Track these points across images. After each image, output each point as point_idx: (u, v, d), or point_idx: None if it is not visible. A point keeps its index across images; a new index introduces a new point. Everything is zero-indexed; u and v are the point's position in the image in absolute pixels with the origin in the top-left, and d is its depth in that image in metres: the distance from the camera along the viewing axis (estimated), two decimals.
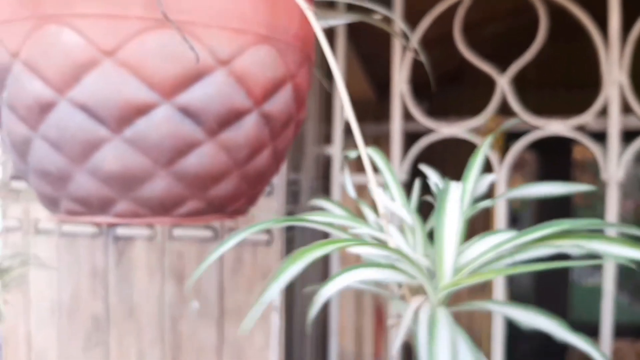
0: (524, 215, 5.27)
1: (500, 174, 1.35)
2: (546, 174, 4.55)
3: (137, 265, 1.16)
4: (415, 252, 0.48)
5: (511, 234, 0.44)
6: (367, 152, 0.51)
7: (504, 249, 0.43)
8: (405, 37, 1.41)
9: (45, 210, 1.13)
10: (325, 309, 1.61)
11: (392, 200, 0.52)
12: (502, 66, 1.41)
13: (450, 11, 1.37)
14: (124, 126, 0.48)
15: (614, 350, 1.32)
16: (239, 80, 0.51)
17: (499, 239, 0.45)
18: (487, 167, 1.37)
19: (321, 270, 1.52)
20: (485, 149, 0.53)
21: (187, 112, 0.50)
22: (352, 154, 0.57)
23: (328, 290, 0.42)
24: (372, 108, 2.19)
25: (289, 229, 1.20)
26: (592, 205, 5.22)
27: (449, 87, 2.56)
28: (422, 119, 1.40)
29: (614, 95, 1.28)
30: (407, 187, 1.39)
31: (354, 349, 2.71)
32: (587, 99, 1.38)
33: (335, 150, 1.42)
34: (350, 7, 0.84)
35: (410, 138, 1.52)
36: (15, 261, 0.78)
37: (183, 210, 0.56)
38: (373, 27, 0.74)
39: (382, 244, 0.46)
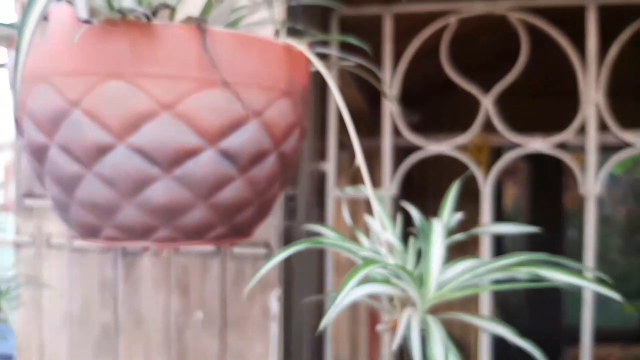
0: (519, 220, 5.39)
1: (485, 190, 1.45)
2: (538, 181, 4.70)
3: (145, 278, 1.23)
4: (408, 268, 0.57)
5: (479, 261, 0.55)
6: (369, 191, 0.60)
7: (478, 272, 0.53)
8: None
9: (57, 227, 1.20)
10: (320, 317, 1.69)
11: (384, 230, 0.61)
12: (494, 73, 1.51)
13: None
14: (174, 167, 0.56)
15: (605, 355, 1.43)
16: (267, 127, 0.60)
17: (472, 264, 0.55)
18: (474, 182, 1.47)
19: (316, 283, 1.60)
20: (455, 190, 0.62)
21: (226, 155, 0.58)
22: (349, 190, 0.66)
23: (344, 301, 0.50)
24: (365, 120, 2.28)
25: (286, 244, 1.28)
26: (581, 208, 5.35)
27: (444, 95, 2.67)
28: (411, 137, 1.49)
29: (591, 115, 1.38)
30: (398, 201, 1.48)
31: (348, 357, 2.79)
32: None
33: (329, 166, 1.51)
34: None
35: (403, 152, 1.62)
36: (16, 282, 0.85)
37: (212, 235, 0.64)
38: (366, 36, 0.82)
39: (387, 265, 0.54)
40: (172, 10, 0.57)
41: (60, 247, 1.26)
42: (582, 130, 1.40)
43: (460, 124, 1.59)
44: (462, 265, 0.51)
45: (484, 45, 2.78)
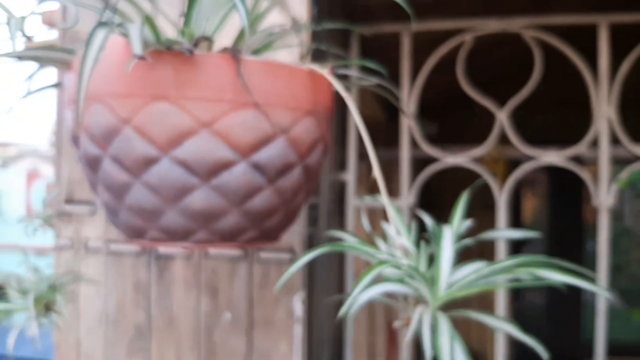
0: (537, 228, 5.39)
1: (500, 201, 1.51)
2: (557, 192, 4.70)
3: (176, 280, 1.31)
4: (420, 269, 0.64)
5: (484, 264, 0.61)
6: (385, 201, 0.67)
7: (482, 273, 0.59)
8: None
9: (95, 231, 1.28)
10: (340, 324, 1.76)
11: (399, 235, 0.68)
12: (509, 85, 1.56)
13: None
14: (211, 177, 0.64)
15: None
16: (293, 143, 0.67)
17: (478, 267, 0.61)
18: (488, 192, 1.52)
19: (336, 288, 1.67)
20: (465, 199, 0.68)
21: (257, 167, 0.65)
22: (367, 199, 0.73)
23: (363, 297, 0.57)
24: (383, 131, 2.35)
25: (309, 250, 1.35)
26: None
27: (461, 108, 2.72)
28: (428, 149, 1.55)
29: (604, 129, 1.43)
30: (415, 210, 1.54)
31: None
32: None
33: (349, 176, 1.58)
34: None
35: (420, 163, 1.68)
36: (67, 278, 0.93)
37: (244, 238, 0.72)
38: (385, 52, 0.89)
39: (401, 265, 0.61)
40: (210, 41, 0.65)
41: (97, 251, 1.35)
42: (594, 143, 1.45)
43: (476, 134, 1.65)
44: (469, 268, 0.58)
45: (499, 58, 2.83)
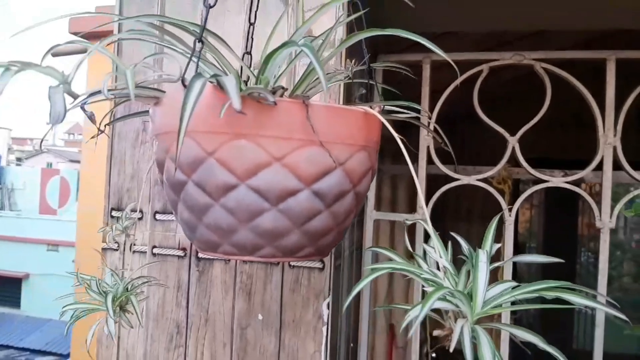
0: (533, 241, 5.51)
1: (509, 219, 1.63)
2: (552, 201, 4.83)
3: (214, 282, 1.43)
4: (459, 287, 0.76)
5: (514, 283, 0.73)
6: (421, 220, 0.79)
7: (514, 293, 0.71)
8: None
9: (139, 235, 1.41)
10: (356, 327, 1.88)
11: (439, 256, 0.80)
12: (520, 103, 1.68)
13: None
14: (280, 202, 0.76)
15: None
16: (348, 173, 0.80)
17: (508, 286, 0.73)
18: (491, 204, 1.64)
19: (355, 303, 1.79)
20: (494, 225, 0.80)
21: (317, 194, 0.78)
22: (408, 222, 0.85)
23: (421, 313, 0.69)
24: (391, 146, 2.47)
25: (337, 259, 1.47)
26: (594, 234, 5.43)
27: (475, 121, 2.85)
28: (444, 169, 1.68)
29: (609, 156, 1.56)
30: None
31: None
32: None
33: (369, 192, 1.70)
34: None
35: (430, 178, 1.80)
36: (139, 282, 1.05)
37: (302, 253, 0.84)
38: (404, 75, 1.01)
39: (452, 290, 0.72)
40: (284, 89, 0.78)
41: (142, 253, 1.47)
42: (597, 167, 1.58)
43: (485, 150, 1.78)
44: (501, 287, 0.69)
45: (514, 77, 2.96)
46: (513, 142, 1.64)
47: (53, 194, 13.69)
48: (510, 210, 1.64)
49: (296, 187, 0.77)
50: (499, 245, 0.78)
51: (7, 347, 12.11)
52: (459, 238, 0.82)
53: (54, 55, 5.38)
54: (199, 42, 0.81)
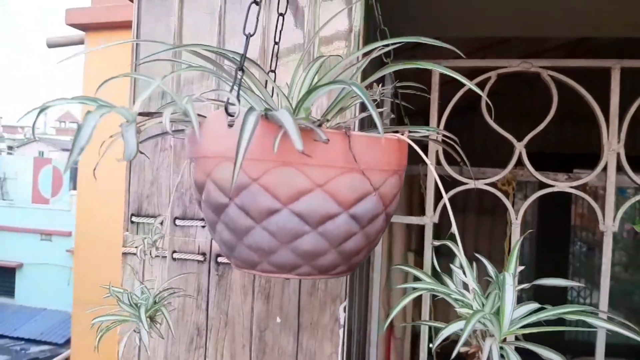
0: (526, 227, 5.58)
1: (516, 222, 1.69)
2: (546, 195, 4.90)
3: (233, 286, 1.48)
4: (485, 309, 0.81)
5: (538, 305, 0.77)
6: (451, 244, 0.84)
7: (538, 316, 0.76)
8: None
9: (160, 240, 1.44)
10: (366, 325, 1.94)
11: (466, 277, 0.85)
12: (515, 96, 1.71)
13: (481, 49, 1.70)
14: (319, 225, 0.81)
15: None
16: (382, 197, 0.85)
17: (533, 307, 0.78)
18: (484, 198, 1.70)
19: (365, 294, 1.85)
20: (518, 249, 0.85)
21: (354, 217, 0.82)
22: (436, 243, 0.90)
23: (448, 331, 0.74)
24: None
25: None
26: (587, 222, 5.51)
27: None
28: (453, 174, 1.73)
29: (612, 162, 1.61)
30: (437, 227, 1.73)
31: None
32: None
33: None
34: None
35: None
36: (166, 293, 1.09)
37: (335, 271, 0.89)
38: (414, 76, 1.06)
39: (486, 314, 0.77)
40: (328, 120, 0.82)
41: (162, 258, 1.51)
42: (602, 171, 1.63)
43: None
44: (526, 308, 0.75)
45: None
46: (520, 147, 1.69)
47: (45, 183, 13.65)
48: (517, 212, 1.69)
49: (335, 212, 0.81)
50: (522, 267, 0.83)
51: (2, 336, 12.14)
52: (483, 259, 0.87)
53: (50, 46, 5.35)
54: (240, 70, 0.84)
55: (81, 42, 4.86)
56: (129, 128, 0.60)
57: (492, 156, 2.29)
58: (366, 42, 1.47)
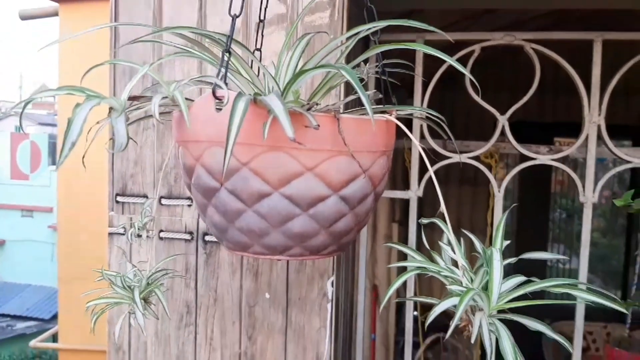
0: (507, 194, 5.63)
1: (499, 195, 1.71)
2: (527, 171, 4.98)
3: (222, 263, 1.49)
4: (474, 285, 0.83)
5: (524, 278, 0.79)
6: (440, 221, 0.85)
7: (525, 289, 0.78)
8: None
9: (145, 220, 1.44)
10: (352, 297, 1.97)
11: (455, 255, 0.86)
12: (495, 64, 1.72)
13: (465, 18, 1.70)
14: (310, 208, 0.82)
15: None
16: (371, 178, 0.85)
17: (519, 280, 0.80)
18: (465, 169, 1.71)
19: (351, 270, 1.88)
20: (504, 223, 0.86)
21: (344, 199, 0.83)
22: (424, 221, 0.92)
23: (440, 308, 0.76)
24: None
25: None
26: (567, 190, 5.58)
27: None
28: (437, 148, 1.74)
29: (593, 134, 1.64)
30: (421, 200, 1.75)
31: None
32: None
33: None
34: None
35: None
36: (159, 274, 1.09)
37: (325, 252, 0.90)
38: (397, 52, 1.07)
39: (478, 292, 0.78)
40: (317, 104, 0.82)
41: (149, 237, 1.51)
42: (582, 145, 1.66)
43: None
44: (513, 282, 0.77)
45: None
46: (503, 120, 1.71)
47: (24, 158, 13.44)
48: (499, 185, 1.72)
49: (325, 194, 0.82)
50: (508, 242, 0.84)
51: None
52: (471, 236, 0.89)
53: (23, 18, 5.20)
54: (226, 52, 0.84)
55: (55, 14, 4.74)
56: (119, 119, 0.60)
57: (473, 128, 2.31)
58: (350, 11, 1.46)
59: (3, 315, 12.09)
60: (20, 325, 11.67)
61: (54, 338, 4.67)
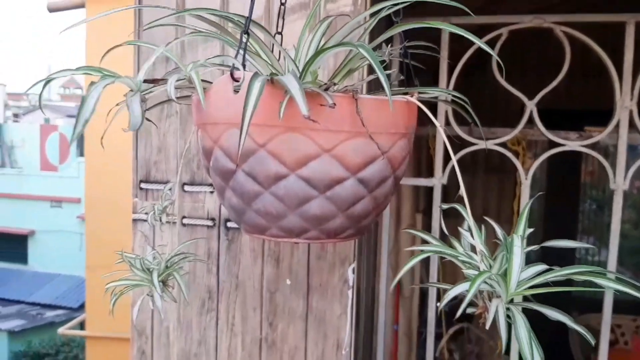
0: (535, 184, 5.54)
1: (526, 182, 1.68)
2: (556, 160, 4.88)
3: (243, 249, 1.49)
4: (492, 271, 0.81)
5: (546, 267, 0.77)
6: (460, 207, 0.83)
7: (545, 277, 0.75)
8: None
9: (170, 206, 1.45)
10: (374, 287, 1.96)
11: (474, 240, 0.84)
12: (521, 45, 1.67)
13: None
14: (327, 190, 0.81)
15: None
16: (391, 160, 0.84)
17: (541, 269, 0.77)
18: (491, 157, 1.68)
19: (373, 256, 1.86)
20: (527, 211, 0.84)
21: (362, 181, 0.82)
22: (444, 206, 0.90)
23: (454, 292, 0.74)
24: None
25: None
26: (597, 180, 5.43)
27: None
28: (463, 134, 1.71)
29: (625, 119, 1.59)
30: (445, 187, 1.72)
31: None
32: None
33: None
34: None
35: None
36: (177, 258, 1.10)
37: (343, 235, 0.89)
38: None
39: (492, 274, 0.76)
40: (335, 84, 0.81)
41: (171, 223, 1.52)
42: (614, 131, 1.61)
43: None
44: (534, 269, 0.74)
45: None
46: (531, 105, 1.67)
47: (53, 150, 13.71)
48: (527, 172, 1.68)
49: (343, 176, 0.81)
50: (531, 229, 0.82)
51: (18, 302, 12.43)
52: (491, 222, 0.87)
53: (51, 10, 5.27)
54: (245, 33, 0.83)
55: (82, 6, 4.79)
56: (134, 98, 0.60)
57: (500, 117, 2.26)
58: None
59: (33, 304, 12.40)
60: (50, 314, 11.96)
61: (82, 326, 4.77)
